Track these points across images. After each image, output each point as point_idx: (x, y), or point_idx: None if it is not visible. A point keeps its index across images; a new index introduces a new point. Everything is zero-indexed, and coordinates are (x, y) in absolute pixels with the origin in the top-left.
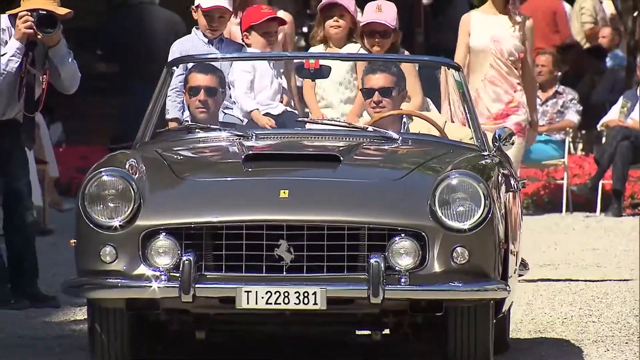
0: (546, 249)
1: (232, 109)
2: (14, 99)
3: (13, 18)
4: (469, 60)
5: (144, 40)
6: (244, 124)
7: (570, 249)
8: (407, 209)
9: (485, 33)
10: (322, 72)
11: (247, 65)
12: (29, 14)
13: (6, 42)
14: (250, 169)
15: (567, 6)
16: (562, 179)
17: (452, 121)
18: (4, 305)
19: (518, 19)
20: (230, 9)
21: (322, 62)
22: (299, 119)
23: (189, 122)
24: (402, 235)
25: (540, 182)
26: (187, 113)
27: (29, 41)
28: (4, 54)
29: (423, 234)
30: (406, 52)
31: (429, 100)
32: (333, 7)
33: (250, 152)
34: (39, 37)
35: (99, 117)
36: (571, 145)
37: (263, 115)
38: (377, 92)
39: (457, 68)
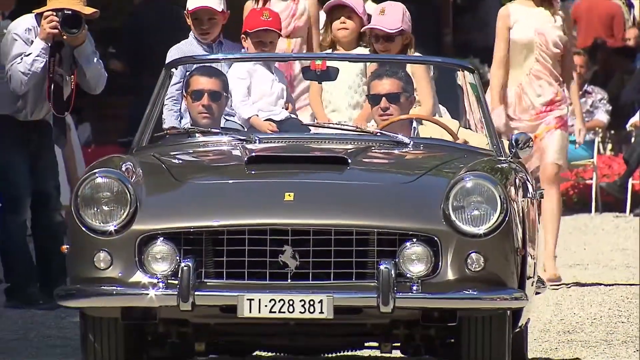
0: (576, 249)
1: (234, 115)
2: (42, 100)
3: (39, 17)
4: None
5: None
6: (246, 130)
7: (599, 249)
8: (419, 212)
9: (528, 25)
10: (329, 74)
11: (242, 71)
12: (54, 14)
13: (32, 42)
14: (253, 172)
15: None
16: (591, 179)
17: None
18: (33, 305)
19: (559, 9)
20: (220, 10)
21: (329, 63)
22: (305, 122)
23: (189, 126)
24: (414, 240)
25: (570, 182)
26: (185, 121)
27: (54, 41)
28: (29, 54)
29: (436, 239)
30: (417, 53)
31: (442, 108)
32: (340, 9)
33: (254, 154)
34: (64, 37)
35: (128, 118)
36: (600, 145)
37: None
38: (384, 98)
39: (472, 70)
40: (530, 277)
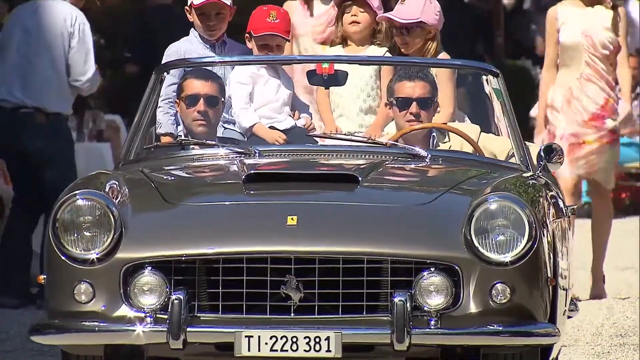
0: (628, 252)
1: (233, 123)
2: None
3: None
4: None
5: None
6: (247, 140)
7: None
8: (437, 238)
9: (575, 27)
10: (337, 79)
11: (244, 75)
12: None
13: None
14: (252, 192)
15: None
16: None
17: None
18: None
19: (609, 8)
20: (229, 3)
21: (337, 66)
22: (310, 133)
23: (183, 137)
24: (432, 269)
25: (622, 185)
26: (179, 128)
27: None
28: None
29: (456, 267)
30: (444, 55)
31: (462, 113)
32: (352, 1)
33: (252, 171)
34: None
35: None
36: None
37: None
38: (415, 103)
39: (495, 74)
40: (564, 307)
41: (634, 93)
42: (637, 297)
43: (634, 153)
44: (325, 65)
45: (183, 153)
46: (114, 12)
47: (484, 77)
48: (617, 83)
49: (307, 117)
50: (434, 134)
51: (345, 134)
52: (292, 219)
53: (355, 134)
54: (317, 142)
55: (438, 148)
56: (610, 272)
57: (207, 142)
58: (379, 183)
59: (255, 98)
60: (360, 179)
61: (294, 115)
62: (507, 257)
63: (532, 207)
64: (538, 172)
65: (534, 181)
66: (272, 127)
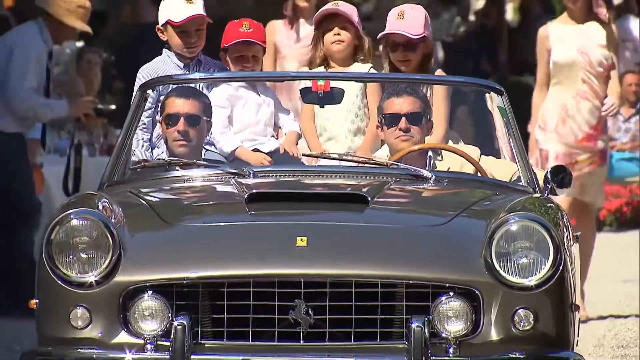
0: (629, 264)
1: (214, 144)
2: None
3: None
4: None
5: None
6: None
7: None
8: (455, 261)
9: (569, 45)
10: (334, 97)
11: (221, 99)
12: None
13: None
14: (256, 212)
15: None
16: None
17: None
18: None
19: (601, 24)
20: (206, 16)
21: (333, 84)
22: (306, 153)
23: (168, 158)
24: (450, 293)
25: (624, 199)
26: (158, 151)
27: None
28: None
29: (476, 292)
30: (440, 72)
31: (454, 133)
32: (332, 18)
33: (255, 191)
34: None
35: None
36: None
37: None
38: (404, 118)
39: (500, 92)
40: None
41: (635, 109)
42: (638, 309)
43: (635, 167)
44: (321, 83)
45: (171, 174)
46: (125, 31)
47: (487, 95)
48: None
49: (292, 132)
50: (430, 154)
51: (345, 154)
52: (301, 240)
53: (351, 154)
54: (305, 164)
55: (435, 169)
56: (612, 285)
57: (198, 162)
58: (389, 204)
59: (235, 121)
60: (369, 199)
61: (277, 133)
62: (531, 281)
63: (555, 227)
64: (546, 194)
65: (549, 202)
66: (256, 150)
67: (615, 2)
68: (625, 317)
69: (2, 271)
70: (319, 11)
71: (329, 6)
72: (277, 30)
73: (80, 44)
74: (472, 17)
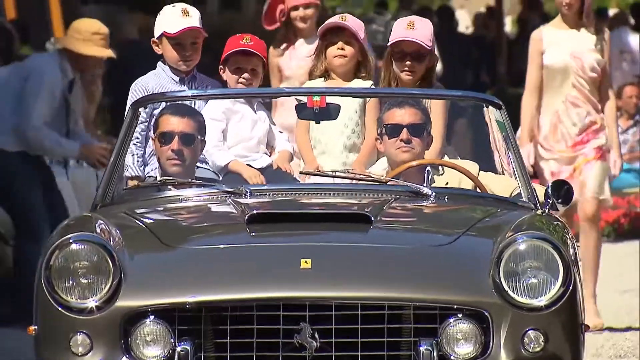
0: (628, 275)
1: (205, 162)
2: None
3: None
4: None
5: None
6: (221, 179)
7: None
8: (463, 282)
9: (563, 49)
10: (330, 112)
11: (217, 112)
12: None
13: None
14: (257, 233)
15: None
16: None
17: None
18: None
19: (594, 30)
20: (202, 29)
21: (329, 99)
22: (303, 170)
23: (163, 177)
24: (459, 315)
25: (622, 210)
26: (149, 168)
27: None
28: None
29: (485, 313)
30: (437, 84)
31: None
32: (337, 32)
33: (255, 211)
34: None
35: None
36: None
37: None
38: (405, 129)
39: (499, 106)
40: None
41: (633, 120)
42: (637, 319)
43: (633, 179)
44: (317, 98)
45: (165, 194)
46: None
47: (486, 109)
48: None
49: (285, 151)
50: (428, 169)
51: (343, 171)
52: (305, 262)
53: (349, 170)
54: (299, 181)
55: (434, 184)
56: (611, 295)
57: (192, 181)
58: (393, 223)
59: (229, 136)
60: (372, 218)
61: (270, 151)
62: (542, 301)
63: (563, 245)
64: (547, 210)
65: (554, 220)
66: (247, 165)
67: (611, 14)
68: (624, 328)
69: (7, 282)
70: (326, 23)
71: (336, 19)
72: (278, 52)
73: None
74: (471, 29)
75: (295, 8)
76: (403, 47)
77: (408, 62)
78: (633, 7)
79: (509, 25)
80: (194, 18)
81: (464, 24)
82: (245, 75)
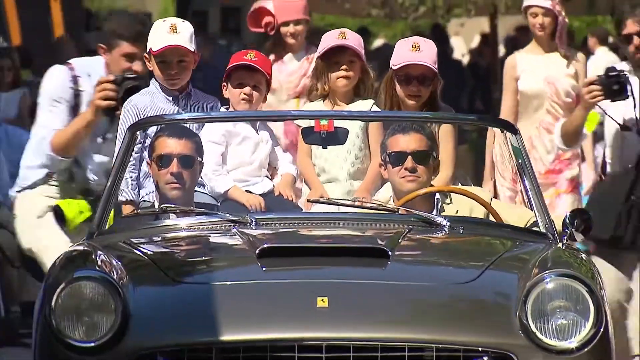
0: None
1: (202, 185)
2: None
3: None
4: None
5: None
6: (220, 205)
7: None
8: (488, 322)
9: (537, 75)
10: (338, 137)
11: (217, 134)
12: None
13: None
14: (269, 268)
15: None
16: None
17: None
18: None
19: (569, 54)
20: (192, 49)
21: (337, 123)
22: (311, 198)
23: (163, 205)
24: (484, 358)
25: None
26: (145, 191)
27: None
28: None
29: (512, 356)
30: (444, 106)
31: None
32: (341, 52)
33: (266, 245)
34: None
35: None
36: None
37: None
38: (410, 157)
39: (515, 131)
40: None
41: None
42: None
43: None
44: (324, 122)
45: (165, 222)
46: None
47: (501, 134)
48: None
49: (288, 175)
50: (438, 196)
51: (353, 200)
52: (322, 300)
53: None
54: (302, 208)
55: (443, 213)
56: None
57: (195, 209)
58: (411, 257)
59: (229, 159)
60: (390, 253)
61: (272, 173)
62: (572, 343)
63: (593, 283)
64: (565, 240)
65: (579, 253)
66: (247, 192)
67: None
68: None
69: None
70: (326, 44)
71: (335, 37)
72: None
73: None
74: (466, 56)
75: (286, 24)
76: (409, 71)
77: (414, 87)
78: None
79: (502, 51)
80: (182, 35)
81: (459, 50)
82: (246, 89)
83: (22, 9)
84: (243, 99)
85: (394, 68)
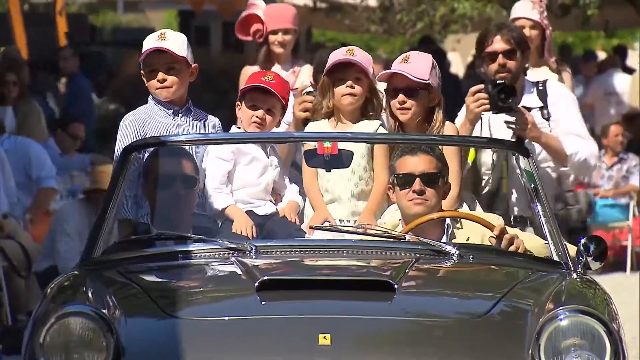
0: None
1: (201, 206)
2: None
3: None
4: None
5: None
6: (220, 227)
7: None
8: None
9: None
10: (342, 160)
11: (225, 151)
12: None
13: None
14: (269, 302)
15: (626, 77)
16: (627, 240)
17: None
18: None
19: (559, 68)
20: (182, 55)
21: (340, 145)
22: (313, 224)
23: (156, 229)
24: None
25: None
26: (142, 212)
27: None
28: None
29: None
30: (450, 125)
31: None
32: (345, 68)
33: (266, 277)
34: None
35: None
36: (635, 208)
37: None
38: (418, 179)
39: (527, 154)
40: None
41: (618, 157)
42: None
43: (617, 213)
44: (327, 145)
45: (162, 249)
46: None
47: (514, 158)
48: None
49: (294, 202)
50: (448, 222)
51: (358, 227)
52: (324, 337)
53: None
54: (305, 234)
55: (454, 239)
56: None
57: (192, 236)
58: (417, 289)
59: (235, 178)
60: (395, 285)
61: (276, 200)
62: None
63: (610, 320)
64: (579, 269)
65: (594, 284)
66: (249, 212)
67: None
68: None
69: None
70: (333, 59)
71: (343, 54)
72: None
73: None
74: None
75: (274, 32)
76: (395, 82)
77: (400, 97)
78: (617, 48)
79: None
80: (170, 42)
81: (456, 66)
82: (259, 112)
83: (29, 24)
84: (254, 122)
85: (379, 78)
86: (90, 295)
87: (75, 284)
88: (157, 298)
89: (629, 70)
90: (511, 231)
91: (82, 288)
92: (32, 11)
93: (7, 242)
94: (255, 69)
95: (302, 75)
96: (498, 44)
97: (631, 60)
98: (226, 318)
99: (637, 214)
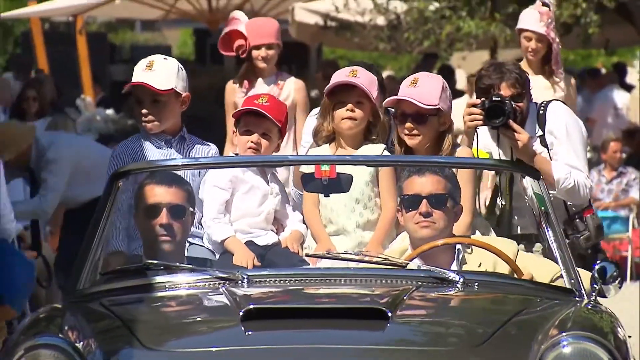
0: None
1: (200, 237)
2: None
3: None
4: None
5: None
6: (217, 258)
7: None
8: None
9: None
10: (341, 185)
11: (223, 179)
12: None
13: None
14: (253, 333)
15: (625, 93)
16: (627, 251)
17: None
18: None
19: (558, 79)
20: (167, 88)
21: (340, 169)
22: (310, 253)
23: (142, 257)
24: None
25: (607, 254)
26: (135, 244)
27: None
28: None
29: None
30: (463, 149)
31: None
32: (346, 90)
33: (252, 305)
34: None
35: None
36: (635, 220)
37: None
38: (425, 201)
39: (537, 176)
40: None
41: (617, 172)
42: None
43: (618, 226)
44: (325, 168)
45: (151, 279)
46: None
47: (523, 181)
48: None
49: (297, 232)
50: (459, 247)
51: (356, 254)
52: None
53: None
54: (309, 263)
55: (465, 266)
56: None
57: (181, 265)
58: (413, 318)
59: (233, 208)
60: (389, 314)
61: (277, 229)
62: None
63: (616, 348)
64: (593, 297)
65: (601, 311)
66: (250, 242)
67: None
68: None
69: None
70: (334, 81)
71: (346, 74)
72: (235, 92)
73: None
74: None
75: (257, 47)
76: (403, 107)
77: (408, 124)
78: (616, 66)
79: None
80: (156, 73)
81: (462, 82)
82: (253, 137)
83: (50, 43)
84: (250, 147)
85: (385, 104)
86: (65, 327)
87: (52, 316)
88: (137, 331)
89: (627, 87)
90: (524, 256)
91: (58, 320)
92: (52, 30)
93: (28, 253)
94: (236, 86)
95: (287, 89)
96: (504, 90)
97: (630, 77)
98: (208, 349)
99: (636, 226)
